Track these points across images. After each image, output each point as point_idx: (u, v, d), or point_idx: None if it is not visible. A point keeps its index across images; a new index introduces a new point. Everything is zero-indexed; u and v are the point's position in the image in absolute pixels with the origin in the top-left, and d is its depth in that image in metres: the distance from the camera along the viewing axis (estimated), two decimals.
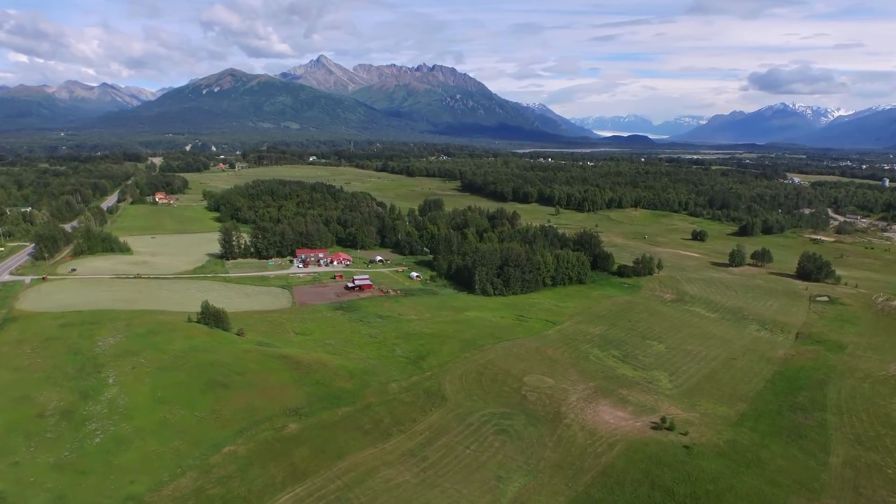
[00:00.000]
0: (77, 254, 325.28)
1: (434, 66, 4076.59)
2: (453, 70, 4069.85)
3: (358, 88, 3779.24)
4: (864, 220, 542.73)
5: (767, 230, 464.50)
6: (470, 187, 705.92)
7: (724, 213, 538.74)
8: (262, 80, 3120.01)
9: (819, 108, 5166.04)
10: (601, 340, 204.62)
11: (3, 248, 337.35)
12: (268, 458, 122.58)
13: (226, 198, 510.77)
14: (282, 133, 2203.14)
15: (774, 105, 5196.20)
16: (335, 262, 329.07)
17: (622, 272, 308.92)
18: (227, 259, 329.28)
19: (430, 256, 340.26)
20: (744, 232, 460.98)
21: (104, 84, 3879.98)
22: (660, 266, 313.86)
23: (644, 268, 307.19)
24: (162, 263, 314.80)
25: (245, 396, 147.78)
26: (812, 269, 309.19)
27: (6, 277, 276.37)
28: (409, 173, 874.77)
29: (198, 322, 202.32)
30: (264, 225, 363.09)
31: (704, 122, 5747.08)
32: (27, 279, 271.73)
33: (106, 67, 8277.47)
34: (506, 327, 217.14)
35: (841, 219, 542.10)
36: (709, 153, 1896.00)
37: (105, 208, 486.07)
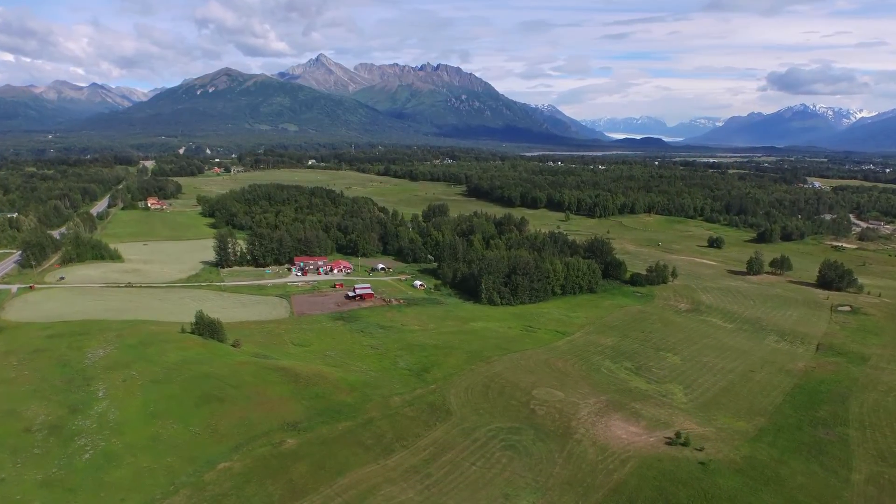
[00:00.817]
0: (66, 261, 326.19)
1: (438, 66, 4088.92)
2: (458, 70, 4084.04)
3: (359, 89, 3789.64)
4: (887, 227, 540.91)
5: (787, 237, 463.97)
6: (476, 192, 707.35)
7: (742, 219, 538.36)
8: (259, 80, 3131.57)
9: (840, 109, 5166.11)
10: (613, 352, 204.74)
11: None
12: (265, 475, 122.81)
13: (221, 203, 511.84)
14: (279, 135, 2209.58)
15: (794, 106, 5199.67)
16: (335, 271, 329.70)
17: (635, 281, 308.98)
18: (223, 267, 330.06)
19: (435, 264, 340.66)
20: (762, 239, 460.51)
21: (94, 84, 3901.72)
22: (674, 274, 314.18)
23: (658, 276, 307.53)
24: (154, 271, 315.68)
25: (241, 410, 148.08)
26: (833, 278, 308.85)
27: None
28: (413, 177, 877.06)
29: (192, 333, 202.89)
30: (261, 231, 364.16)
31: (721, 124, 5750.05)
32: (13, 288, 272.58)
33: (96, 67, 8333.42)
34: (513, 338, 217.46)
35: (863, 225, 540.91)
36: (725, 156, 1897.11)
37: (95, 214, 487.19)
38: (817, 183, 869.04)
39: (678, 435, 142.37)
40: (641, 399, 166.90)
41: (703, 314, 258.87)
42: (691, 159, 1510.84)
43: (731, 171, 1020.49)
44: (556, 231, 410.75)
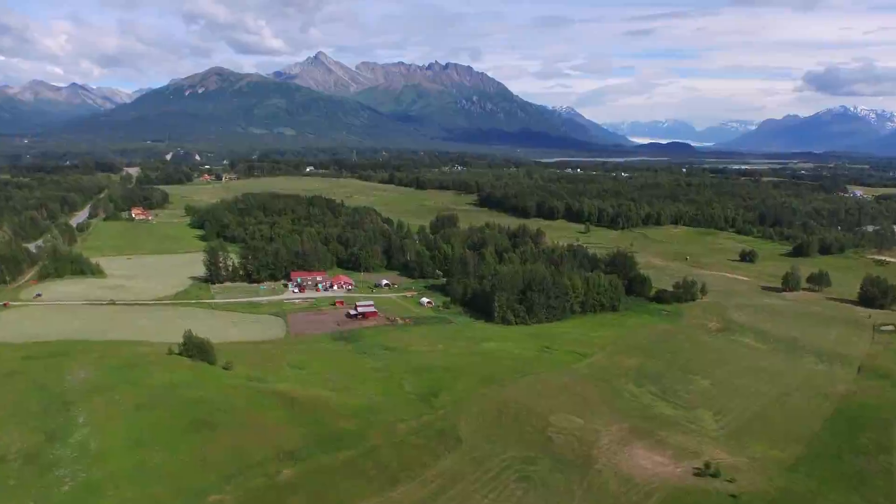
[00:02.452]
0: (43, 277, 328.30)
1: (447, 65, 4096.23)
2: (469, 69, 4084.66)
3: (361, 89, 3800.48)
4: None
5: (825, 250, 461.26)
6: (488, 201, 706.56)
7: (777, 231, 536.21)
8: (253, 79, 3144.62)
9: (884, 111, 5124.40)
10: (637, 375, 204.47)
11: None
12: None
13: (211, 213, 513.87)
14: (275, 140, 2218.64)
15: (833, 108, 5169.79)
16: (335, 287, 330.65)
17: (661, 298, 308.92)
18: (213, 283, 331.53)
19: (443, 280, 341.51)
20: (799, 252, 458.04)
21: (74, 84, 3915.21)
22: (703, 291, 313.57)
23: (685, 293, 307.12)
24: (139, 288, 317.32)
25: (233, 438, 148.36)
26: (876, 295, 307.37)
27: None
28: (420, 185, 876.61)
29: (180, 354, 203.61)
30: (255, 244, 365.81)
31: (754, 128, 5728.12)
32: None
33: (76, 66, 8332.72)
34: (529, 360, 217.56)
35: None
36: (759, 162, 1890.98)
37: (75, 225, 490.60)
38: (859, 192, 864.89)
39: (707, 465, 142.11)
40: (667, 426, 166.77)
41: (735, 334, 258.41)
42: (722, 166, 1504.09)
43: (764, 179, 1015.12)
44: (576, 244, 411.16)
